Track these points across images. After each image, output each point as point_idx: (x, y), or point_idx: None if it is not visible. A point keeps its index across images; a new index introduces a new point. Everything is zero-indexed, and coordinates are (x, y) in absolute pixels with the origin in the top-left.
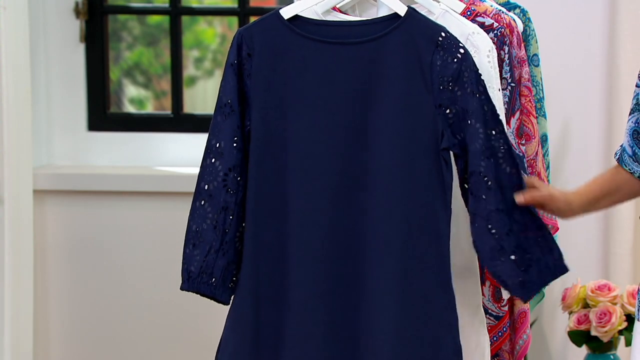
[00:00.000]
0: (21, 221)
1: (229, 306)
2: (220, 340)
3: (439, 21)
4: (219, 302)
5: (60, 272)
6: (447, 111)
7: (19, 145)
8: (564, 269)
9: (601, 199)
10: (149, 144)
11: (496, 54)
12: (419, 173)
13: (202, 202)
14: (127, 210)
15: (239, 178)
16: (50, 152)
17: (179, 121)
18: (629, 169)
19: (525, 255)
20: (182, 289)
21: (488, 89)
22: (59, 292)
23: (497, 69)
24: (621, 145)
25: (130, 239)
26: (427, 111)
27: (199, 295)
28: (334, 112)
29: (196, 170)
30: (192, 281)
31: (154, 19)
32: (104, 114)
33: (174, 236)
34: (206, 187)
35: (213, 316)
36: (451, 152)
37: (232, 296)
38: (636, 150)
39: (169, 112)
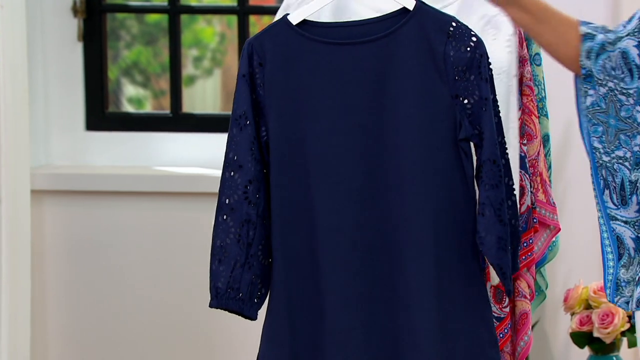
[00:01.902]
0: (19, 221)
1: (247, 317)
2: (258, 356)
3: (458, 4)
4: (246, 317)
5: (58, 273)
6: (465, 101)
7: (16, 145)
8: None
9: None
10: (147, 143)
11: (517, 40)
12: (440, 166)
13: (225, 217)
14: (126, 211)
15: (258, 189)
16: (48, 152)
17: (177, 121)
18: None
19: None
20: (211, 306)
21: (502, 73)
22: (57, 293)
23: (517, 53)
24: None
25: (129, 239)
26: (444, 103)
27: (227, 312)
28: (350, 113)
29: (195, 171)
30: (221, 298)
31: (153, 17)
32: (102, 114)
33: (173, 236)
34: (227, 201)
35: (212, 318)
36: (471, 143)
37: (266, 310)
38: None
39: (167, 111)
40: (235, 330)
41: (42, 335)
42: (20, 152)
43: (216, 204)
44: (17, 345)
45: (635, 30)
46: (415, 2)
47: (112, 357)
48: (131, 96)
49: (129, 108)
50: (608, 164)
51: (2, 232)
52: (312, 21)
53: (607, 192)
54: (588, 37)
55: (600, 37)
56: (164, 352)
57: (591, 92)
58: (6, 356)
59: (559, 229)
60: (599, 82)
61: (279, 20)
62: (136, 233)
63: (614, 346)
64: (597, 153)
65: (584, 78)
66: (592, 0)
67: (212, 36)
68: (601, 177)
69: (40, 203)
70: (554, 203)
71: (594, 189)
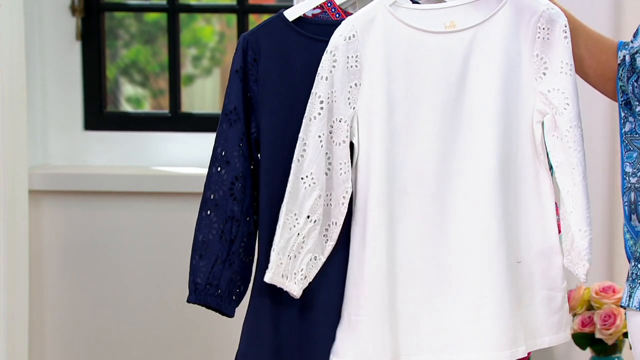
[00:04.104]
0: (16, 222)
1: (225, 314)
2: (237, 355)
3: (511, 0)
4: (223, 314)
5: (56, 274)
6: None
7: (14, 144)
8: None
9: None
10: (146, 143)
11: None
12: None
13: (208, 212)
14: (124, 211)
15: (244, 186)
16: (45, 152)
17: (176, 120)
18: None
19: None
20: (188, 301)
21: (566, 65)
22: (55, 295)
23: (570, 43)
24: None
25: (128, 240)
26: None
27: (205, 307)
28: None
29: (194, 171)
30: (199, 293)
31: (151, 16)
32: (100, 113)
33: (172, 237)
34: (212, 196)
35: (211, 319)
36: None
37: (247, 307)
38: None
39: (166, 111)
40: (234, 331)
41: (40, 336)
42: (18, 152)
43: (201, 199)
44: (15, 346)
45: None
46: (411, 2)
47: (110, 358)
48: (130, 96)
49: (127, 107)
50: (636, 185)
51: (0, 233)
52: (308, 18)
53: (633, 217)
54: (622, 62)
55: (627, 59)
56: (162, 352)
57: (630, 118)
58: (4, 357)
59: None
60: (636, 106)
61: (275, 16)
62: (134, 233)
63: (616, 347)
64: (627, 177)
65: (624, 104)
66: (596, 1)
67: (211, 35)
68: (626, 203)
69: (38, 203)
70: (556, 203)
71: (624, 217)
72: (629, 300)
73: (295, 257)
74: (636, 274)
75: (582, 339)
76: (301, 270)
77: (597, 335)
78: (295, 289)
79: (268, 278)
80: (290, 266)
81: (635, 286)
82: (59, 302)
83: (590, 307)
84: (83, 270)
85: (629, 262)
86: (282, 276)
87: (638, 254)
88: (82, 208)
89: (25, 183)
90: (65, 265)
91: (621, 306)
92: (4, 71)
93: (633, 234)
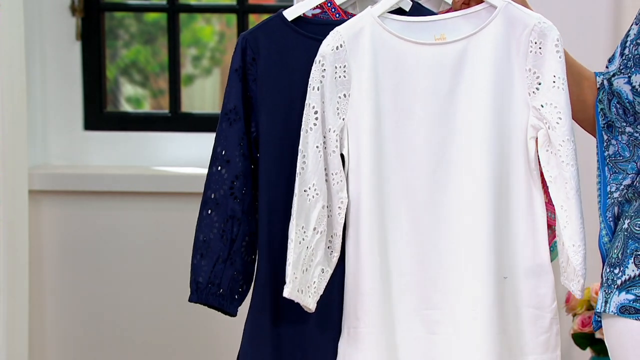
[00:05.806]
0: (16, 222)
1: (227, 313)
2: (239, 355)
3: (502, 13)
4: (226, 313)
5: (56, 273)
6: None
7: (14, 144)
8: None
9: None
10: (146, 143)
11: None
12: None
13: (209, 211)
14: (124, 211)
15: (245, 185)
16: (45, 152)
17: (176, 120)
18: (599, 83)
19: None
20: (190, 300)
21: (559, 79)
22: (55, 294)
23: (564, 57)
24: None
25: (127, 239)
26: None
27: (207, 307)
28: None
29: (194, 171)
30: (201, 292)
31: (151, 16)
32: (100, 113)
33: (172, 237)
34: (212, 195)
35: (212, 319)
36: None
37: (248, 307)
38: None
39: (166, 111)
40: (235, 330)
41: (40, 336)
42: (18, 152)
43: (201, 198)
44: (15, 346)
45: (621, 67)
46: (411, 3)
47: (110, 358)
48: (130, 96)
49: (127, 107)
50: (619, 199)
51: (0, 233)
52: (308, 18)
53: (618, 228)
54: (602, 86)
55: (606, 83)
56: (163, 352)
57: (613, 141)
58: (4, 357)
59: None
60: (619, 129)
61: (274, 15)
62: (134, 233)
63: None
64: (610, 195)
65: (606, 127)
66: (596, 1)
67: (211, 35)
68: (610, 219)
69: (38, 203)
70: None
71: (606, 234)
72: (605, 306)
73: (307, 270)
74: (612, 279)
75: (582, 339)
76: (314, 284)
77: (597, 335)
78: (310, 303)
79: (287, 293)
80: (305, 280)
81: (611, 291)
82: (59, 302)
83: (590, 307)
84: (83, 270)
85: (602, 258)
86: (299, 290)
87: (613, 260)
88: (82, 208)
89: (25, 183)
90: (65, 265)
91: (596, 313)
92: (4, 71)
93: (609, 232)
